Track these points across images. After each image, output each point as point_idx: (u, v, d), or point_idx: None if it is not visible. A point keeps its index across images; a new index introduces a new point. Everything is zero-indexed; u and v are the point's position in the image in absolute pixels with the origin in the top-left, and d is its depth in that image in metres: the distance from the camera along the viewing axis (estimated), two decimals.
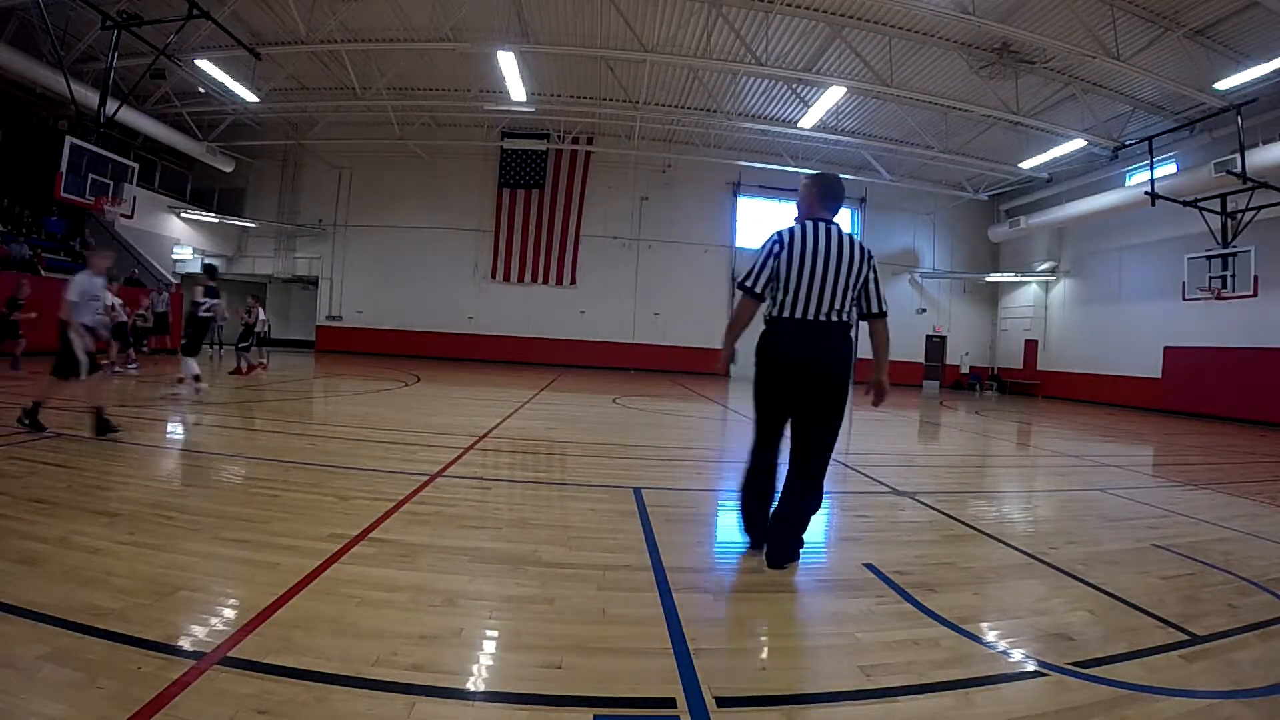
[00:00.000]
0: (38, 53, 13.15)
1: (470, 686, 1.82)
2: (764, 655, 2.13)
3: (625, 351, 21.86)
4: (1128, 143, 14.91)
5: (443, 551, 2.88)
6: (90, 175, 10.85)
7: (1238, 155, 11.81)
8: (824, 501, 3.07)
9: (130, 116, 15.25)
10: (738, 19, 12.84)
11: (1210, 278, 13.24)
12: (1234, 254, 12.77)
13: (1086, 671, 2.06)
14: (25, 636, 1.85)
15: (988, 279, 23.26)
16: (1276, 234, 12.96)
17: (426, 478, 4.28)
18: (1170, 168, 15.48)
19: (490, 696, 1.77)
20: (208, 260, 9.01)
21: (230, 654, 1.83)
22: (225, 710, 1.57)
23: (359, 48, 14.20)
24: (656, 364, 21.74)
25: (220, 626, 2.02)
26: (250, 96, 15.54)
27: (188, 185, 20.93)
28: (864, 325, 3.08)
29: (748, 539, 3.17)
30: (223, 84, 14.96)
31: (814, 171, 3.51)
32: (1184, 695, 1.95)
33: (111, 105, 11.38)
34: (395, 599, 2.33)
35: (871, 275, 2.90)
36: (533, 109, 16.78)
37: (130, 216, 12.33)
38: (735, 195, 22.37)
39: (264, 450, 5.01)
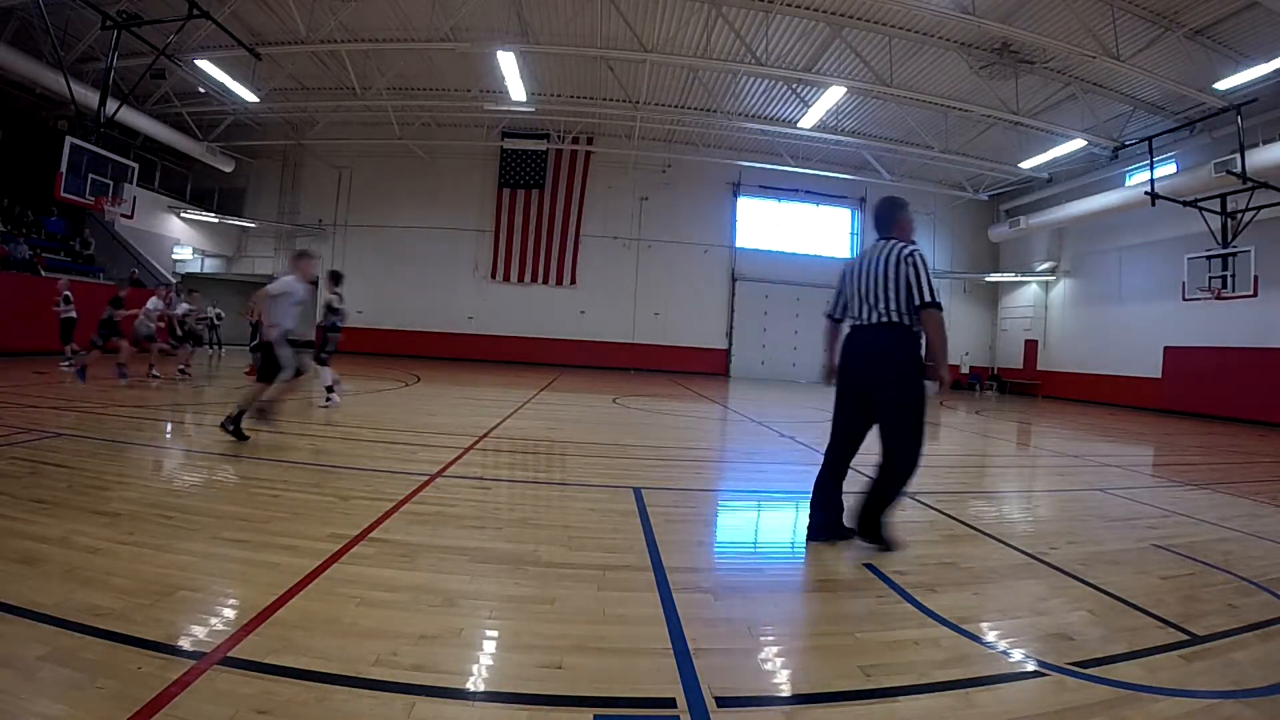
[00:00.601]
0: (38, 53, 13.16)
1: (470, 686, 1.82)
2: (764, 655, 2.13)
3: (625, 351, 21.86)
4: (1128, 143, 14.91)
5: (443, 551, 2.88)
6: (90, 175, 10.86)
7: (1238, 155, 11.82)
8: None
9: (130, 116, 15.25)
10: (738, 19, 12.84)
11: (1210, 278, 13.24)
12: (1234, 254, 12.77)
13: (1086, 671, 2.06)
14: (25, 636, 1.85)
15: (988, 279, 23.25)
16: (1276, 234, 12.96)
17: (427, 478, 4.28)
18: (1170, 168, 15.48)
19: (490, 696, 1.77)
20: (334, 268, 9.01)
21: (230, 654, 1.83)
22: (225, 710, 1.57)
23: (359, 48, 14.20)
24: (656, 364, 21.75)
25: (220, 626, 2.02)
26: (250, 96, 15.54)
27: (188, 185, 20.94)
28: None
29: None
30: (223, 84, 14.97)
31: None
32: (1184, 695, 1.95)
33: (111, 105, 11.37)
34: (395, 599, 2.33)
35: (911, 273, 3.08)
36: (533, 109, 16.78)
37: (130, 216, 12.33)
38: (735, 195, 22.37)
39: (264, 450, 5.01)
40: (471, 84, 16.85)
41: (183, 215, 20.05)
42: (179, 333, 11.12)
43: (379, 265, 21.91)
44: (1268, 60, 11.24)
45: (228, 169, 20.48)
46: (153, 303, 9.80)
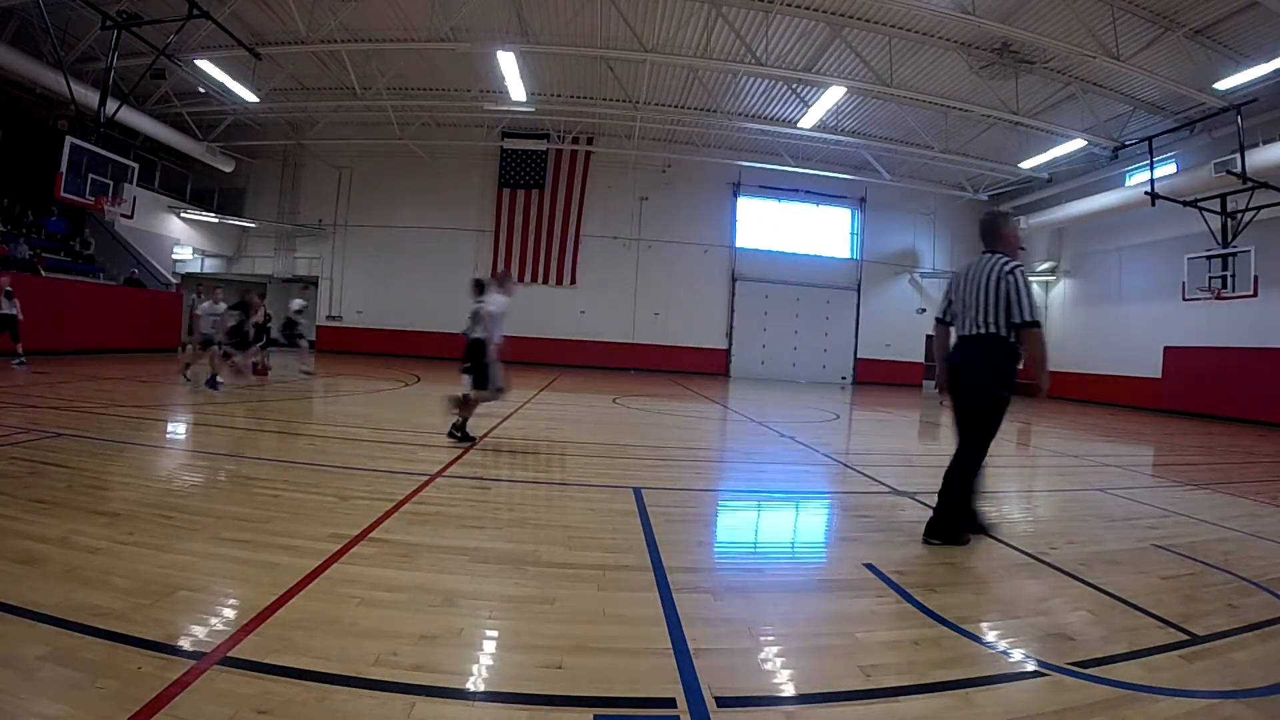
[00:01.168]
0: (38, 53, 13.15)
1: (470, 686, 1.82)
2: (764, 655, 2.13)
3: (625, 351, 21.85)
4: (1128, 143, 14.90)
5: (443, 551, 2.88)
6: (90, 175, 10.85)
7: (1238, 155, 11.80)
8: (818, 500, 3.07)
9: (130, 116, 15.25)
10: (738, 19, 12.84)
11: (1210, 278, 13.24)
12: (1234, 254, 12.76)
13: (1086, 671, 2.06)
14: (25, 636, 1.85)
15: None
16: (1276, 234, 12.95)
17: (427, 478, 4.28)
18: (1170, 168, 15.47)
19: (490, 696, 1.77)
20: (477, 276, 8.93)
21: (230, 654, 1.83)
22: (225, 710, 1.57)
23: (359, 48, 14.20)
24: (656, 364, 21.74)
25: (220, 626, 2.02)
26: (250, 96, 15.54)
27: (188, 185, 20.93)
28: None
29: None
30: (223, 84, 14.96)
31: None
32: (1184, 695, 1.95)
33: (111, 105, 11.38)
34: (395, 599, 2.33)
35: (1011, 289, 3.23)
36: (533, 109, 16.77)
37: (130, 216, 12.33)
38: (735, 195, 22.36)
39: (264, 450, 5.01)
40: (471, 84, 16.84)
41: (183, 215, 20.04)
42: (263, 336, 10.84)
43: (379, 265, 21.91)
44: (1268, 60, 11.23)
45: (228, 169, 20.47)
46: (206, 305, 9.65)
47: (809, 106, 15.32)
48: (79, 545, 2.61)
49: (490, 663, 1.98)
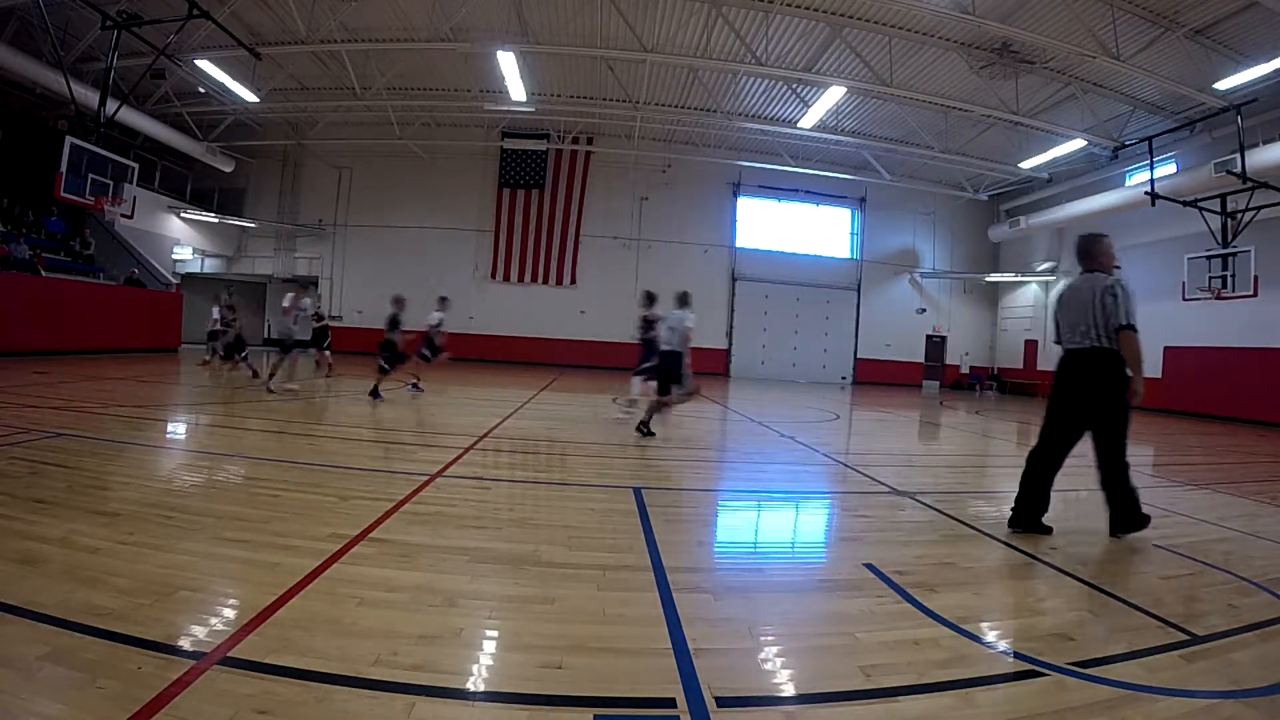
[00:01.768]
0: (38, 53, 13.16)
1: (470, 686, 1.82)
2: (764, 655, 2.13)
3: (625, 351, 21.82)
4: (1128, 143, 14.90)
5: (443, 551, 2.88)
6: (90, 175, 10.85)
7: (1238, 155, 11.80)
8: (818, 500, 3.06)
9: (130, 116, 15.26)
10: (738, 19, 12.84)
11: (1210, 278, 13.23)
12: (1234, 254, 12.76)
13: (1086, 671, 2.06)
14: (25, 636, 1.85)
15: (988, 279, 23.26)
16: (1276, 234, 12.95)
17: (427, 478, 4.28)
18: (1170, 168, 15.47)
19: (490, 696, 1.77)
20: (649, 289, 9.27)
21: (230, 654, 1.83)
22: (225, 710, 1.57)
23: (359, 48, 14.20)
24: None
25: (220, 626, 2.02)
26: (250, 96, 15.54)
27: (188, 185, 20.93)
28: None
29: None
30: (223, 84, 14.97)
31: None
32: (1184, 695, 1.95)
33: (111, 105, 11.38)
34: (395, 599, 2.33)
35: (1112, 302, 3.50)
36: (533, 109, 16.77)
37: (130, 216, 12.33)
38: (735, 195, 22.37)
39: (264, 450, 5.01)
40: (471, 84, 16.84)
41: (183, 215, 20.04)
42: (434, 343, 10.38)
43: (379, 265, 21.91)
44: (1268, 60, 11.23)
45: (228, 169, 20.48)
46: (306, 301, 9.55)
47: (809, 106, 15.33)
48: (79, 545, 2.61)
49: (490, 663, 1.98)
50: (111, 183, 11.38)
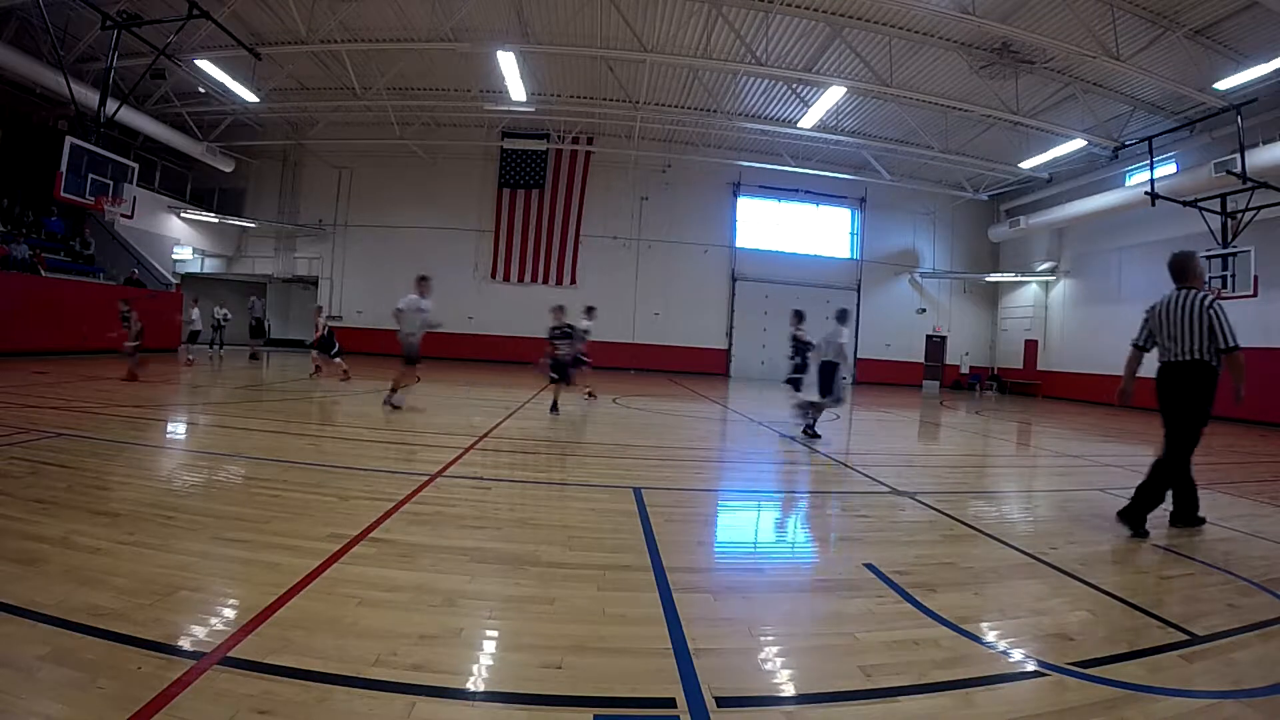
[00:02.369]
0: (38, 53, 13.15)
1: (470, 686, 1.82)
2: (764, 655, 2.13)
3: (625, 351, 21.85)
4: (1128, 143, 14.90)
5: (443, 551, 2.87)
6: (90, 175, 10.84)
7: (1238, 155, 11.79)
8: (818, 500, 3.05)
9: (130, 116, 15.25)
10: (738, 19, 12.84)
11: (1210, 278, 13.21)
12: (1234, 254, 12.73)
13: (1086, 671, 2.06)
14: (25, 636, 1.85)
15: (988, 279, 23.25)
16: (1276, 234, 12.94)
17: (427, 478, 4.28)
18: (1170, 168, 15.47)
19: (490, 696, 1.77)
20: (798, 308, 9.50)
21: (230, 654, 1.83)
22: (225, 710, 1.57)
23: (359, 48, 14.20)
24: (656, 364, 21.74)
25: (220, 626, 2.02)
26: (250, 96, 15.54)
27: (188, 185, 20.93)
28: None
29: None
30: (223, 84, 14.97)
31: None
32: (1184, 695, 1.95)
33: (111, 105, 11.36)
34: (395, 599, 2.33)
35: (1213, 320, 3.79)
36: (533, 109, 16.77)
37: (130, 216, 12.32)
38: (735, 195, 22.37)
39: (264, 450, 5.01)
40: (471, 84, 16.84)
41: (183, 215, 20.04)
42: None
43: (379, 265, 21.89)
44: (1268, 60, 11.23)
45: (228, 169, 20.48)
46: (423, 300, 8.55)
47: (809, 106, 15.33)
48: (79, 545, 2.61)
49: (490, 663, 1.98)
50: (111, 183, 11.37)
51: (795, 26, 13.13)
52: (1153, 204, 13.30)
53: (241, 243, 22.62)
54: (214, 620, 2.07)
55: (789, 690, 1.92)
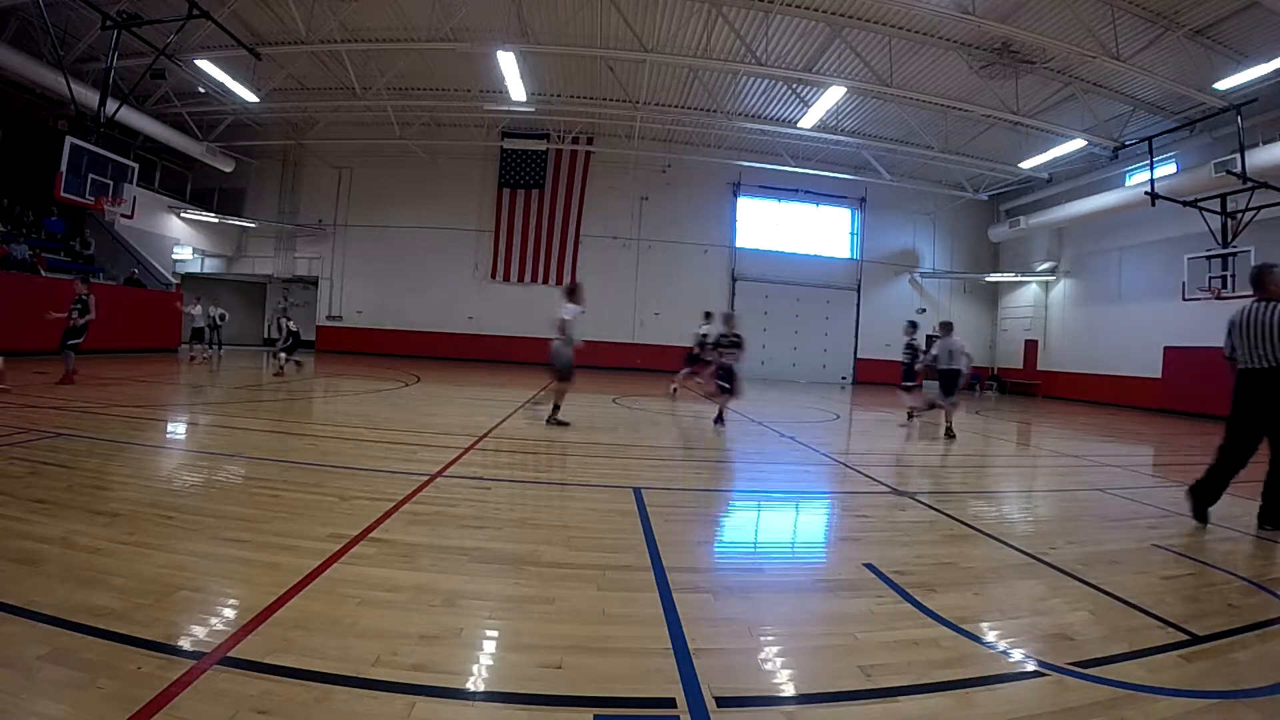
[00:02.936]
0: (38, 53, 13.14)
1: (470, 686, 1.82)
2: (764, 655, 2.13)
3: (625, 351, 21.85)
4: (1128, 143, 14.89)
5: (443, 551, 2.88)
6: (90, 175, 10.85)
7: (1238, 155, 11.79)
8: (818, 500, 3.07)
9: (130, 116, 15.24)
10: (738, 19, 12.84)
11: (1210, 278, 13.22)
12: (1234, 254, 12.74)
13: (1086, 671, 2.06)
14: (25, 636, 1.85)
15: (988, 279, 23.24)
16: (1276, 234, 12.93)
17: (427, 478, 4.28)
18: (1170, 168, 15.46)
19: (490, 696, 1.77)
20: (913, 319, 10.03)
21: (230, 654, 1.83)
22: (225, 710, 1.57)
23: (359, 48, 14.19)
24: (656, 364, 21.71)
25: (220, 626, 2.02)
26: (250, 96, 15.53)
27: (188, 185, 20.93)
28: None
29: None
30: (223, 84, 14.96)
31: None
32: (1184, 695, 1.95)
33: (111, 105, 11.36)
34: (395, 599, 2.33)
35: None
36: (533, 109, 16.76)
37: (130, 216, 12.33)
38: (735, 195, 22.35)
39: (264, 450, 5.01)
40: (471, 84, 16.84)
41: (183, 215, 20.04)
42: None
43: (379, 265, 21.91)
44: (1268, 60, 11.22)
45: (228, 169, 20.46)
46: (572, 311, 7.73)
47: (809, 106, 15.32)
48: (79, 545, 2.61)
49: (490, 663, 1.98)
50: (111, 183, 11.37)
51: (795, 26, 13.12)
52: (1153, 204, 13.30)
53: (241, 243, 22.61)
54: (214, 620, 2.07)
55: (789, 690, 1.92)
